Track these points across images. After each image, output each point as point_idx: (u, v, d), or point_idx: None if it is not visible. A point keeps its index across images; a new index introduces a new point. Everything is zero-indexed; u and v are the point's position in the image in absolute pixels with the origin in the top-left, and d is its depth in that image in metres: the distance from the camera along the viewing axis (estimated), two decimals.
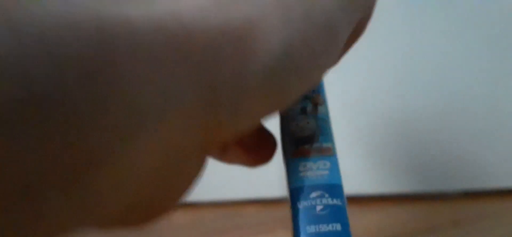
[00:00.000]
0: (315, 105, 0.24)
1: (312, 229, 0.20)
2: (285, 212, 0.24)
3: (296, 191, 0.21)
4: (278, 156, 0.25)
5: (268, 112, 0.18)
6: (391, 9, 0.49)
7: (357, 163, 0.51)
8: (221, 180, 0.50)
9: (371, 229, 0.44)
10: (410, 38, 0.49)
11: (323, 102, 0.25)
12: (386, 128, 0.50)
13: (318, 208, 0.21)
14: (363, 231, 0.44)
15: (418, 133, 0.51)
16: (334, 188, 0.21)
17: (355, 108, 0.50)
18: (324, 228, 0.20)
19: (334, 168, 0.22)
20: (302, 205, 0.21)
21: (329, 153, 0.23)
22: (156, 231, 0.44)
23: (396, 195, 0.52)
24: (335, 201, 0.21)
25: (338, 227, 0.20)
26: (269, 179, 0.48)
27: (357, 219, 0.47)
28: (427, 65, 0.50)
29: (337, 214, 0.21)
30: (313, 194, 0.21)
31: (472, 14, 0.49)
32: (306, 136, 0.23)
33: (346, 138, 0.50)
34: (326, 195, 0.21)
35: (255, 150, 0.25)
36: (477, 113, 0.50)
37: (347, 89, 0.50)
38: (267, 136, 0.25)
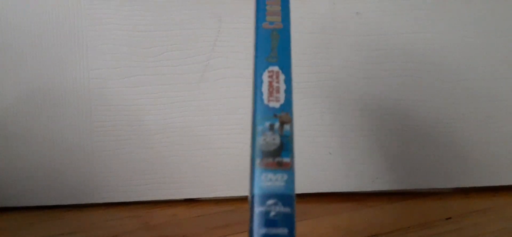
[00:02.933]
0: (282, 123, 0.27)
1: (264, 231, 0.24)
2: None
3: (256, 196, 0.25)
4: None
5: None
6: (386, 5, 0.50)
7: (353, 161, 0.51)
8: (223, 179, 0.51)
9: (367, 224, 0.45)
10: (404, 39, 0.50)
11: (290, 120, 0.27)
12: (381, 127, 0.51)
13: (272, 214, 0.25)
14: (358, 226, 0.44)
15: (412, 132, 0.51)
16: (287, 197, 0.25)
17: (349, 107, 0.51)
18: (274, 231, 0.24)
19: (290, 180, 0.25)
20: (259, 209, 0.25)
21: (288, 167, 0.26)
22: (162, 226, 0.46)
23: (391, 191, 0.52)
24: (286, 209, 0.25)
25: (285, 231, 0.24)
26: None
27: (354, 214, 0.47)
28: (420, 66, 0.50)
29: (286, 220, 0.24)
30: (269, 201, 0.25)
31: (469, 9, 0.50)
32: (271, 150, 0.26)
33: (341, 136, 0.51)
34: (280, 203, 0.25)
35: None
36: (470, 113, 0.51)
37: (342, 89, 0.50)
38: None
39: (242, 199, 0.52)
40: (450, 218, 0.46)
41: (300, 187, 0.51)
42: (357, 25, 0.49)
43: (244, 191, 0.51)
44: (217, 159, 0.51)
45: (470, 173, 0.51)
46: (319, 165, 0.51)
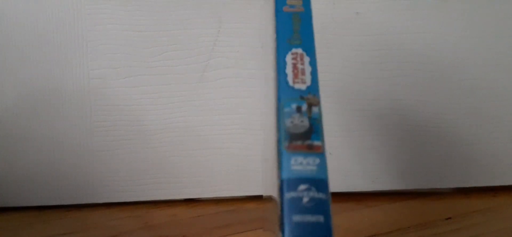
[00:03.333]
0: (310, 105, 0.26)
1: (297, 218, 0.22)
2: None
3: (286, 182, 0.23)
4: None
5: None
6: (386, 5, 0.50)
7: (353, 161, 0.51)
8: (223, 179, 0.51)
9: (366, 224, 0.45)
10: (405, 39, 0.50)
11: (318, 103, 0.26)
12: (381, 128, 0.51)
13: (305, 200, 0.23)
14: (358, 226, 0.44)
15: (413, 132, 0.51)
16: (320, 182, 0.23)
17: (349, 107, 0.51)
18: (309, 218, 0.22)
19: (322, 164, 0.24)
20: (290, 195, 0.23)
21: (319, 150, 0.24)
22: (162, 226, 0.46)
23: (391, 191, 0.52)
24: (320, 195, 0.23)
25: (321, 219, 0.22)
26: (268, 177, 0.49)
27: (354, 214, 0.47)
28: (421, 66, 0.50)
29: (321, 206, 0.23)
30: (301, 187, 0.23)
31: (469, 9, 0.50)
32: (300, 133, 0.25)
33: (341, 136, 0.51)
34: (313, 189, 0.23)
35: None
36: (470, 113, 0.51)
37: (343, 88, 0.50)
38: None
39: (242, 199, 0.52)
40: (450, 218, 0.46)
41: None
42: (357, 25, 0.49)
43: (245, 191, 0.51)
44: (217, 158, 0.51)
45: (470, 173, 0.51)
46: None
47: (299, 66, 0.27)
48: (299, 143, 0.24)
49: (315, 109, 0.26)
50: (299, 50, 0.28)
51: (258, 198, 0.52)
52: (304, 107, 0.26)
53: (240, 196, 0.52)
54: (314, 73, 0.27)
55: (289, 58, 0.27)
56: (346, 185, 0.51)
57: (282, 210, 0.23)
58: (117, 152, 0.50)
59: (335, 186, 0.51)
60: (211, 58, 0.49)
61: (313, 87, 0.26)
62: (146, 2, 0.49)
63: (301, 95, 0.26)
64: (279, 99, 0.26)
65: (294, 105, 0.26)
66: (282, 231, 0.22)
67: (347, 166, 0.51)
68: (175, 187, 0.51)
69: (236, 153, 0.51)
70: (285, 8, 0.29)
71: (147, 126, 0.50)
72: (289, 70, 0.27)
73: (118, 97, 0.49)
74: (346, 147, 0.51)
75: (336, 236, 0.42)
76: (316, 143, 0.25)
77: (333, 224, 0.23)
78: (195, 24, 0.49)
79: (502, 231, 0.43)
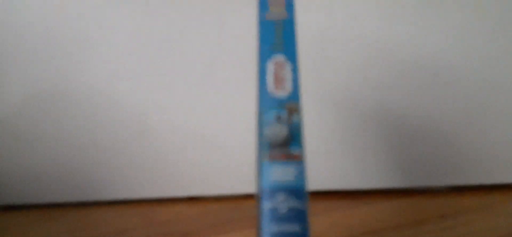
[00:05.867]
0: (290, 113, 0.25)
1: (274, 228, 0.22)
2: None
3: (264, 191, 0.23)
4: None
5: None
6: (381, 12, 0.50)
7: (347, 159, 0.51)
8: (225, 176, 0.51)
9: (363, 221, 0.45)
10: (400, 41, 0.50)
11: (298, 110, 0.25)
12: (376, 126, 0.51)
13: (282, 209, 0.23)
14: (352, 224, 0.44)
15: (407, 130, 0.51)
16: (298, 191, 0.23)
17: (344, 105, 0.51)
18: (285, 228, 0.22)
19: (300, 173, 0.24)
20: (268, 205, 0.23)
21: (298, 159, 0.24)
22: (165, 223, 0.46)
23: (386, 189, 0.52)
24: (298, 204, 0.23)
25: (297, 228, 0.22)
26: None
27: (350, 212, 0.47)
28: (416, 67, 0.50)
29: (298, 216, 0.23)
30: (279, 196, 0.23)
31: (467, 11, 0.50)
32: (279, 141, 0.25)
33: (336, 134, 0.51)
34: (291, 198, 0.23)
35: None
36: (463, 113, 0.51)
37: (337, 86, 0.50)
38: None
39: (245, 196, 0.52)
40: (444, 215, 0.46)
41: None
42: (354, 29, 0.49)
43: (246, 188, 0.51)
44: (220, 157, 0.51)
45: (464, 171, 0.51)
46: (316, 163, 0.51)
47: (280, 73, 0.26)
48: (278, 152, 0.24)
49: (295, 117, 0.25)
50: (281, 57, 0.27)
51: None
52: (284, 115, 0.25)
53: (243, 194, 0.52)
54: (295, 81, 0.26)
55: (270, 66, 0.27)
56: (342, 183, 0.51)
57: (260, 220, 0.23)
58: (121, 151, 0.50)
59: (331, 184, 0.51)
60: (213, 60, 0.49)
61: (294, 95, 0.26)
62: (149, 3, 0.49)
63: (281, 103, 0.25)
64: (259, 107, 0.26)
65: (273, 114, 0.25)
66: None
67: (343, 164, 0.51)
68: (178, 185, 0.51)
69: (238, 151, 0.51)
70: (268, 15, 0.28)
71: (150, 125, 0.50)
72: (270, 78, 0.26)
73: (122, 98, 0.50)
74: (342, 147, 0.51)
75: (332, 233, 0.42)
76: (295, 151, 0.24)
77: (311, 232, 0.23)
78: (197, 24, 0.49)
79: (496, 228, 0.43)
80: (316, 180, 0.51)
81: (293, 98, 0.26)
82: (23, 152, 0.50)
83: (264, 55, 0.27)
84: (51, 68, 0.49)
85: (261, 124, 0.25)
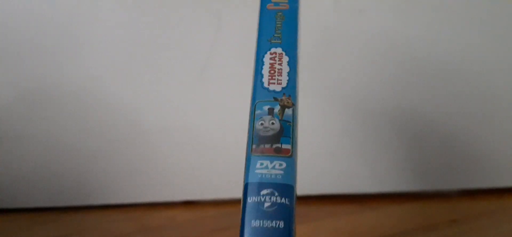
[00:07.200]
0: (283, 107, 0.25)
1: (256, 223, 0.22)
2: None
3: (249, 186, 0.23)
4: None
5: None
6: (387, 6, 0.49)
7: (356, 162, 0.51)
8: (222, 180, 0.51)
9: (369, 227, 0.45)
10: (409, 36, 0.50)
11: (292, 104, 0.25)
12: (384, 127, 0.51)
13: (266, 204, 0.22)
14: (358, 229, 0.45)
15: (416, 131, 0.51)
16: (285, 187, 0.23)
17: (353, 107, 0.50)
18: (268, 224, 0.22)
19: (289, 169, 0.23)
20: (252, 200, 0.23)
21: (287, 154, 0.24)
22: (159, 228, 0.46)
23: (394, 193, 0.52)
24: (283, 200, 0.22)
25: (281, 224, 0.22)
26: None
27: (356, 217, 0.47)
28: (425, 65, 0.50)
29: (282, 212, 0.22)
30: (264, 191, 0.23)
31: (474, 9, 0.50)
32: (269, 136, 0.24)
33: (343, 136, 0.51)
34: (276, 193, 0.23)
35: None
36: (475, 113, 0.51)
37: (345, 88, 0.50)
38: None
39: None
40: (455, 220, 0.46)
41: (301, 189, 0.51)
42: (360, 23, 0.49)
43: None
44: (216, 159, 0.51)
45: (476, 174, 0.51)
46: (320, 166, 0.51)
47: (277, 66, 0.27)
48: (266, 146, 0.24)
49: (288, 111, 0.25)
50: (279, 50, 0.27)
51: None
52: (277, 109, 0.25)
53: (239, 198, 0.52)
54: (292, 74, 0.26)
55: (267, 58, 0.27)
56: (349, 187, 0.51)
57: (242, 215, 0.22)
58: (113, 153, 0.50)
59: (337, 187, 0.51)
60: (210, 57, 0.49)
61: (289, 88, 0.26)
62: (144, 0, 0.48)
63: (274, 97, 0.26)
64: (253, 100, 0.26)
65: (266, 107, 0.25)
66: (241, 235, 0.22)
67: (350, 167, 0.51)
68: (173, 189, 0.51)
69: (235, 154, 0.50)
70: (269, 6, 0.29)
71: (144, 126, 0.50)
72: (265, 70, 0.27)
73: (115, 97, 0.49)
74: (348, 148, 0.51)
75: None
76: (285, 146, 0.24)
77: (295, 231, 0.22)
78: (194, 22, 0.49)
79: (508, 233, 0.43)
80: (320, 183, 0.51)
81: (288, 92, 0.26)
82: (11, 155, 0.49)
83: (261, 47, 0.28)
84: (38, 67, 0.49)
85: (252, 118, 0.25)
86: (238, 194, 0.53)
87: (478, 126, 0.51)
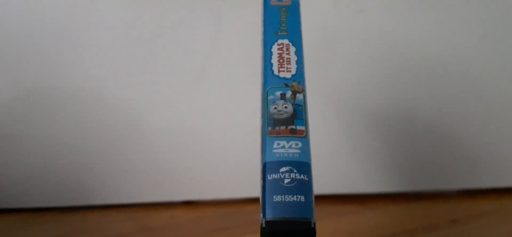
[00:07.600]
0: (294, 92, 0.27)
1: (278, 198, 0.23)
2: None
3: (268, 165, 0.24)
4: None
5: None
6: (387, 6, 0.49)
7: (356, 162, 0.51)
8: (222, 180, 0.51)
9: (369, 227, 0.45)
10: (408, 36, 0.50)
11: (302, 90, 0.27)
12: (384, 127, 0.51)
13: (286, 181, 0.23)
14: (358, 230, 0.44)
15: (416, 132, 0.51)
16: (302, 165, 0.24)
17: (353, 107, 0.50)
18: (289, 198, 0.23)
19: (305, 148, 0.25)
20: (271, 177, 0.24)
21: (302, 135, 0.25)
22: (159, 228, 0.46)
23: (394, 193, 0.52)
24: (302, 177, 0.24)
25: (302, 198, 0.23)
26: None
27: (356, 217, 0.47)
28: (425, 65, 0.50)
29: (302, 187, 0.23)
30: (283, 169, 0.24)
31: (475, 8, 0.49)
32: (283, 118, 0.26)
33: (341, 135, 0.51)
34: (295, 170, 0.24)
35: None
36: (475, 113, 0.51)
37: (345, 88, 0.50)
38: None
39: (244, 201, 0.52)
40: (455, 220, 0.46)
41: None
42: (360, 23, 0.49)
43: (246, 193, 0.51)
44: (217, 159, 0.50)
45: (476, 174, 0.51)
46: (321, 166, 0.51)
47: (285, 55, 0.28)
48: (282, 127, 0.26)
49: (299, 96, 0.27)
50: (285, 41, 0.29)
51: (257, 201, 0.52)
52: (288, 94, 0.27)
53: (240, 198, 0.52)
54: (299, 62, 0.28)
55: (275, 49, 0.29)
56: (349, 187, 0.51)
57: (263, 191, 0.23)
58: (114, 153, 0.50)
59: (337, 188, 0.51)
60: (210, 57, 0.49)
61: (298, 75, 0.28)
62: (144, 0, 0.48)
63: (285, 83, 0.27)
64: (264, 87, 0.27)
65: (278, 93, 0.27)
66: (263, 211, 0.23)
67: (350, 167, 0.51)
68: (173, 189, 0.51)
69: (235, 154, 0.50)
70: (273, 2, 0.31)
71: (144, 126, 0.50)
72: (274, 59, 0.28)
73: (115, 98, 0.49)
74: (348, 148, 0.51)
75: None
76: (299, 127, 0.26)
77: (314, 205, 0.23)
78: (194, 23, 0.49)
79: (508, 233, 0.43)
80: (320, 183, 0.51)
81: (297, 79, 0.28)
82: (11, 155, 0.49)
83: (268, 38, 0.29)
84: (38, 67, 0.48)
85: (265, 103, 0.27)
86: (238, 194, 0.53)
87: (478, 126, 0.51)
